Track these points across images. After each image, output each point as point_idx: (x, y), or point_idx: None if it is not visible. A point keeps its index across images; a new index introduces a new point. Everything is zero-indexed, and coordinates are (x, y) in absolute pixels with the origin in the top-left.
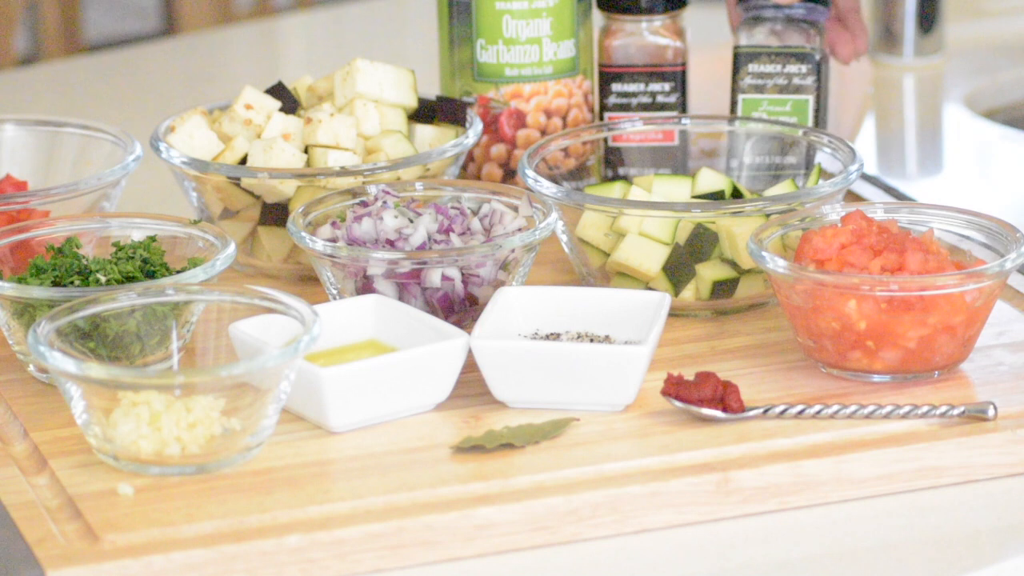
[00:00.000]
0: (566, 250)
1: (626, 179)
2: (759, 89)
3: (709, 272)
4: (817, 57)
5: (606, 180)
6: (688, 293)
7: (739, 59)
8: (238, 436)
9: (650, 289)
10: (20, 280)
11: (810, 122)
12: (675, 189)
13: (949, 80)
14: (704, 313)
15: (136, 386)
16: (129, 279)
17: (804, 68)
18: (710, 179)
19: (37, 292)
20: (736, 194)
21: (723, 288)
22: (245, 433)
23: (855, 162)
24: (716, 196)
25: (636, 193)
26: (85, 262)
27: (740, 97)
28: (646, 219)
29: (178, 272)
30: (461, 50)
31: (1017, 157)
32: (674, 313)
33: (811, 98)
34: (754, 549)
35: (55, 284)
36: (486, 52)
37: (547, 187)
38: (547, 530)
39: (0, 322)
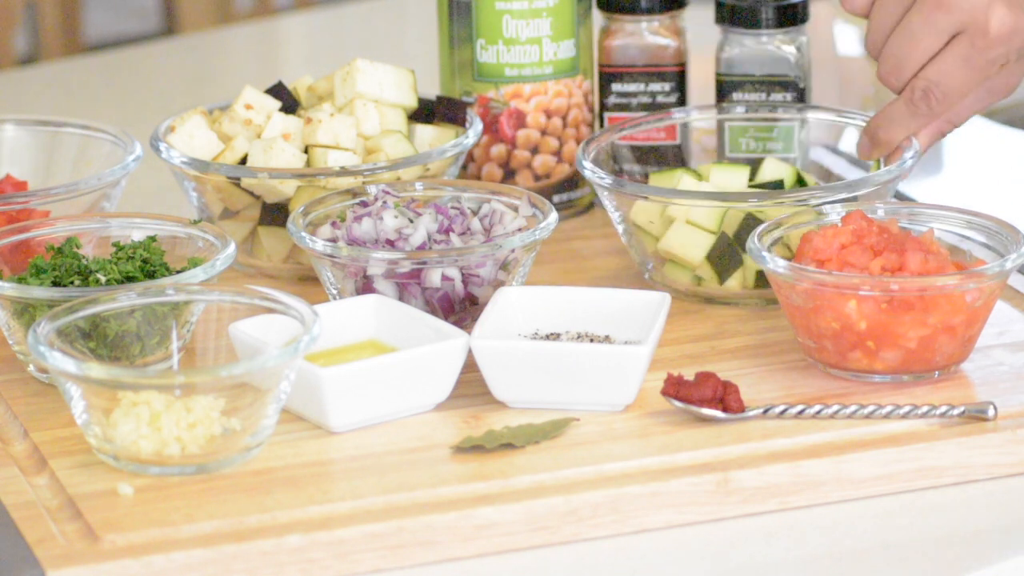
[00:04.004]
0: (622, 239)
1: (686, 166)
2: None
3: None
4: (801, 84)
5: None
6: (734, 282)
7: (723, 87)
8: (238, 436)
9: (697, 277)
10: (20, 280)
11: (795, 148)
12: (732, 178)
13: None
14: (753, 302)
15: (136, 386)
16: (129, 279)
17: (789, 96)
18: (774, 168)
19: (37, 292)
20: (801, 183)
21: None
22: (245, 433)
23: (911, 149)
24: (777, 185)
25: (685, 183)
26: (85, 262)
27: (727, 125)
28: (693, 207)
29: (178, 272)
30: (461, 50)
31: (1017, 157)
32: (724, 302)
33: (796, 124)
34: (754, 549)
35: (55, 284)
36: (486, 52)
37: (602, 177)
38: (547, 530)
39: (0, 322)
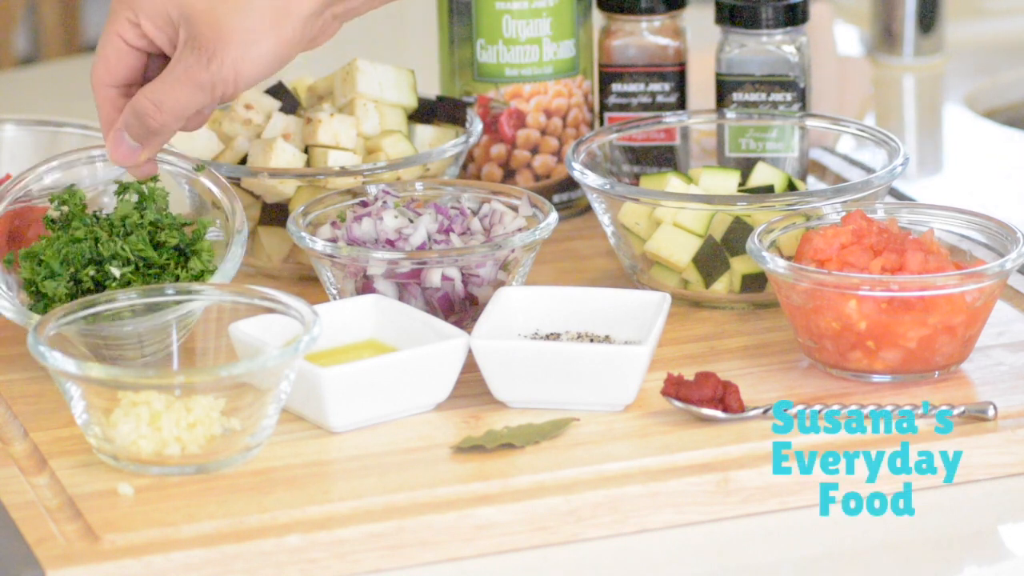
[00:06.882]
0: (610, 240)
1: (676, 169)
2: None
3: (740, 265)
4: (801, 84)
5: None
6: (720, 285)
7: (723, 87)
8: (238, 436)
9: (684, 280)
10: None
11: (796, 149)
12: (722, 182)
13: (949, 80)
14: (740, 306)
15: (136, 386)
16: (143, 260)
17: (789, 96)
18: (765, 173)
19: (50, 285)
20: (792, 188)
21: (754, 282)
22: (245, 433)
23: (899, 156)
24: (767, 190)
25: (673, 185)
26: (92, 224)
27: (726, 125)
28: (681, 210)
29: (185, 224)
30: (461, 50)
31: (1017, 157)
32: (710, 305)
33: (796, 124)
34: (754, 549)
35: (69, 276)
36: (486, 52)
37: (592, 179)
38: (547, 530)
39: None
